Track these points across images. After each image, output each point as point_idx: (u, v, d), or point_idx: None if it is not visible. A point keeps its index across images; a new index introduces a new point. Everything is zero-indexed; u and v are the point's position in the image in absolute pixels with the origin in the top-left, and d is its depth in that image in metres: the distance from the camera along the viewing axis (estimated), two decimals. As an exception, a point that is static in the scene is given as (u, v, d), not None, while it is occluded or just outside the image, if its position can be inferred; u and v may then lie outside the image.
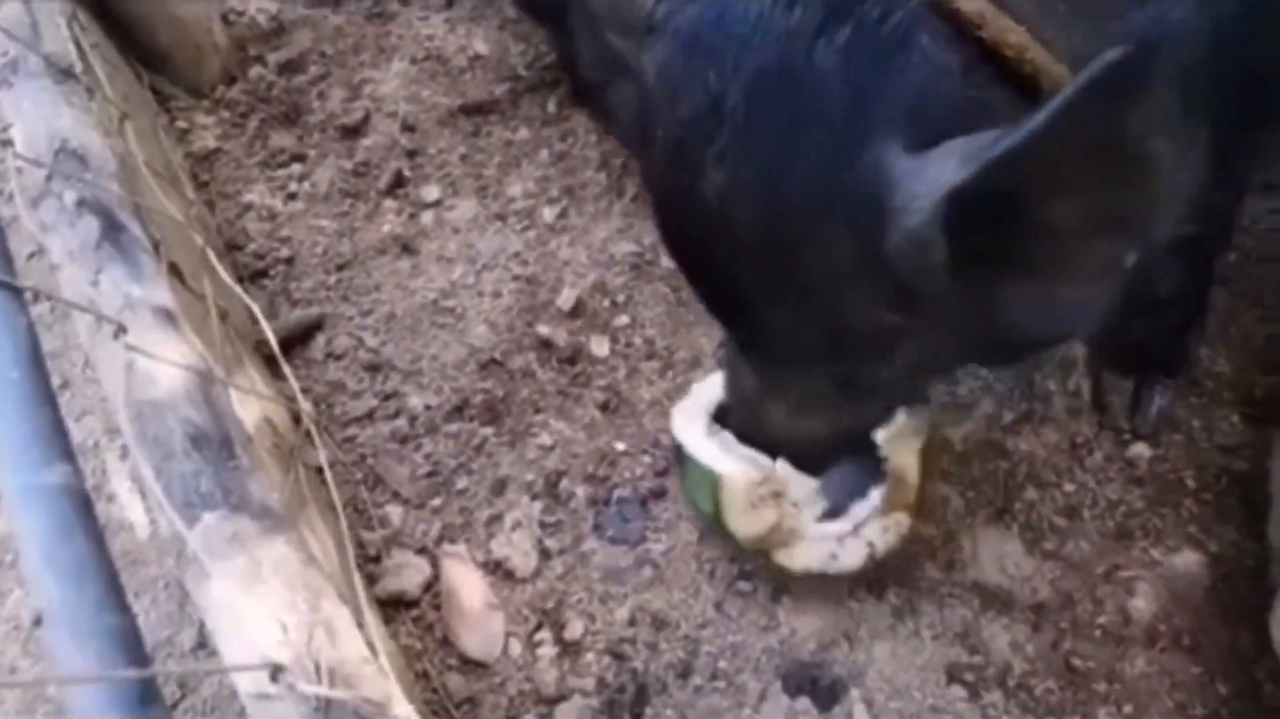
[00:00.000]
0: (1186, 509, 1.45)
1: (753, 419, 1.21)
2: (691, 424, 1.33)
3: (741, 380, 1.19)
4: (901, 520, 1.31)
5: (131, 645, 0.63)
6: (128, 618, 0.64)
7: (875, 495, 1.30)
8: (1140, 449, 1.49)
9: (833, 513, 1.30)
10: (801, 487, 1.28)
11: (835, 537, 1.30)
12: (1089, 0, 0.83)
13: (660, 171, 0.91)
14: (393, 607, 1.45)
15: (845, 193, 0.78)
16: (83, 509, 0.66)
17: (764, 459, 1.26)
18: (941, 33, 0.78)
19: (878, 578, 1.42)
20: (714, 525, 1.34)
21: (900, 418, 1.28)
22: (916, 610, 1.41)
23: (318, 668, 0.86)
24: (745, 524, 1.28)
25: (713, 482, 1.28)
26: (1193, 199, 0.98)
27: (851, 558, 1.30)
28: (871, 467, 1.30)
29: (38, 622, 0.59)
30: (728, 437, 1.28)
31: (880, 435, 1.28)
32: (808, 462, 1.27)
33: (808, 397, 1.10)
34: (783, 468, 1.27)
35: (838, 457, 1.27)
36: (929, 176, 0.72)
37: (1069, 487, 1.49)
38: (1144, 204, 0.69)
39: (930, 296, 0.80)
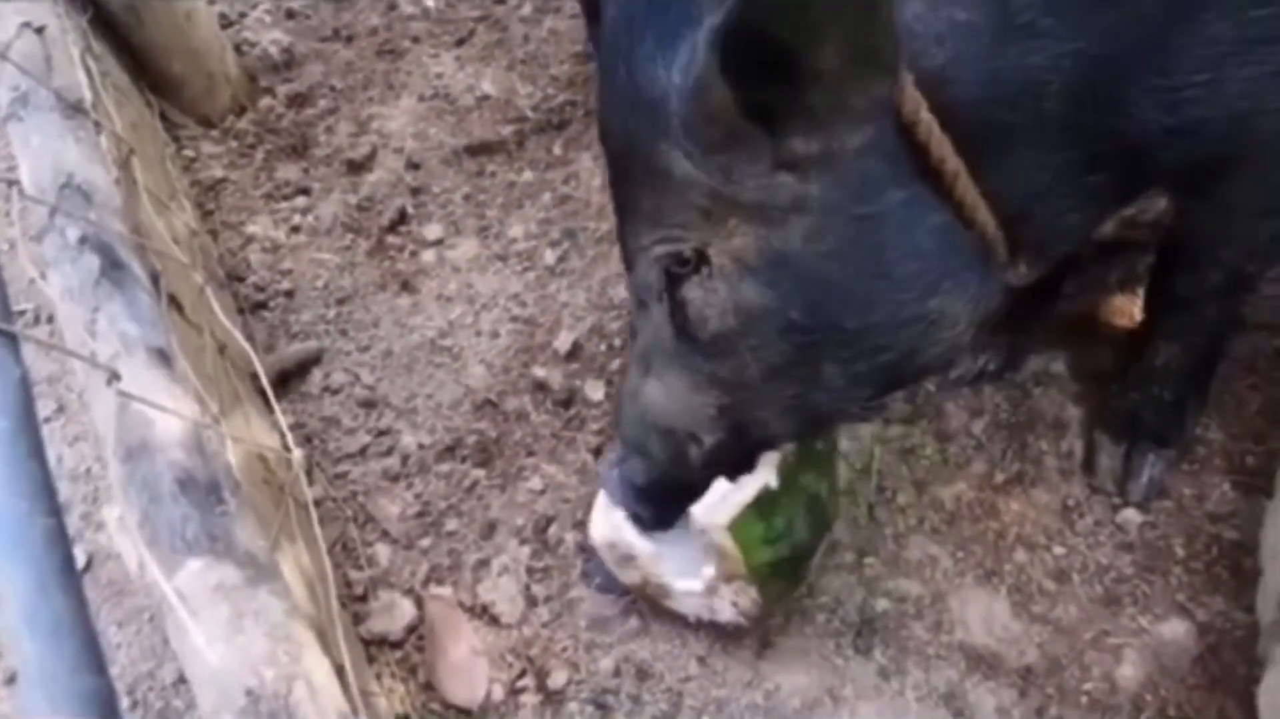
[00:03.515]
0: (1175, 577, 1.45)
1: (639, 411, 1.23)
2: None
3: (633, 376, 1.24)
4: (744, 587, 1.32)
5: (106, 708, 0.63)
6: (104, 679, 0.64)
7: (708, 571, 1.32)
8: (1131, 514, 1.49)
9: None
10: (645, 550, 1.34)
11: (699, 594, 1.35)
12: None
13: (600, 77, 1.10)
14: (376, 647, 1.45)
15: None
16: (64, 566, 0.66)
17: (626, 528, 1.35)
18: None
19: (864, 635, 1.42)
20: None
21: (717, 491, 1.28)
22: (903, 670, 1.40)
23: (295, 724, 0.86)
24: (623, 577, 1.40)
25: None
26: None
27: (725, 614, 1.36)
28: (699, 545, 1.32)
29: (11, 679, 0.59)
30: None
31: (697, 509, 1.28)
32: (709, 464, 1.25)
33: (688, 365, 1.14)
34: (629, 532, 1.34)
35: (728, 460, 1.26)
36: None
37: (1059, 549, 1.48)
38: (884, 38, 0.81)
39: (728, 144, 0.93)
